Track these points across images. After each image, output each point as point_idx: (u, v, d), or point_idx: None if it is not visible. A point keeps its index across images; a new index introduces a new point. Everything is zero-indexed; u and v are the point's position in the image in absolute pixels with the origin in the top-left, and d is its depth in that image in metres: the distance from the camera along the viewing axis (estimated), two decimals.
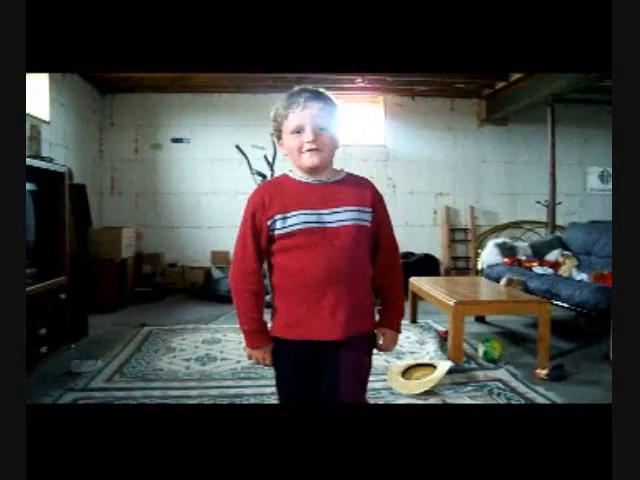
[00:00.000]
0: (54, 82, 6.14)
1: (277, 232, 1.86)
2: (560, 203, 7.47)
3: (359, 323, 1.92)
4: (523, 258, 6.14)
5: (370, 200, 1.94)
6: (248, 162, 6.44)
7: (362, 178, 2.04)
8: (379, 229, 1.97)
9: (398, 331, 2.07)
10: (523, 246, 6.55)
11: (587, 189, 8.72)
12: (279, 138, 1.94)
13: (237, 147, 6.37)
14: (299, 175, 1.92)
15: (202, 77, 7.18)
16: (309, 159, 1.85)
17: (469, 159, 8.37)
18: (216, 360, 4.33)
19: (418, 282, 5.49)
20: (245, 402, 3.37)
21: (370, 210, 1.92)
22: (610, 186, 8.65)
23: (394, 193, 8.20)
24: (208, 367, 4.14)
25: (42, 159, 4.48)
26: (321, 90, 1.88)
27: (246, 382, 3.77)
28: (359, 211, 1.89)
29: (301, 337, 1.87)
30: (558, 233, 7.01)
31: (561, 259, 5.92)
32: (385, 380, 3.73)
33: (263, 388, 3.60)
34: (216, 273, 7.34)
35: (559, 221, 7.43)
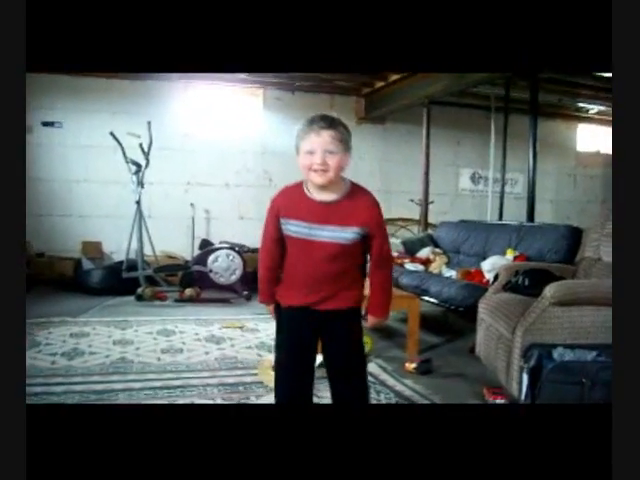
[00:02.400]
0: None
1: (283, 231, 2.29)
2: (433, 202, 7.71)
3: (342, 300, 2.31)
4: (395, 255, 6.29)
5: (365, 220, 2.24)
6: (123, 150, 6.26)
7: (364, 197, 2.33)
8: (372, 241, 2.28)
9: (377, 315, 2.42)
10: (396, 243, 6.71)
11: (458, 189, 9.06)
12: (297, 154, 2.24)
13: (112, 134, 6.17)
14: (309, 189, 2.27)
15: None
16: (316, 178, 2.17)
17: None
18: (84, 354, 4.17)
19: None
20: (114, 398, 3.27)
21: (358, 230, 2.22)
22: (480, 187, 9.05)
23: (270, 186, 8.18)
24: (75, 362, 3.98)
25: None
26: (337, 118, 2.23)
27: (115, 377, 3.65)
28: (346, 231, 2.22)
29: (290, 303, 2.34)
30: (430, 231, 7.24)
31: (432, 256, 6.10)
32: (256, 374, 3.72)
33: (132, 383, 3.51)
34: (86, 264, 7.11)
35: (431, 219, 7.67)
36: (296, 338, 2.39)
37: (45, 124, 7.66)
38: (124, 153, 6.27)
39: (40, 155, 7.64)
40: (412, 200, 7.97)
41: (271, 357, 4.02)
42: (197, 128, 8.05)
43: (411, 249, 6.48)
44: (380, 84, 7.71)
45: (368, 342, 4.34)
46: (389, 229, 8.16)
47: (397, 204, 8.51)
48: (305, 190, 2.29)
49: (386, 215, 7.61)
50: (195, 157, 7.99)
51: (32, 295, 6.56)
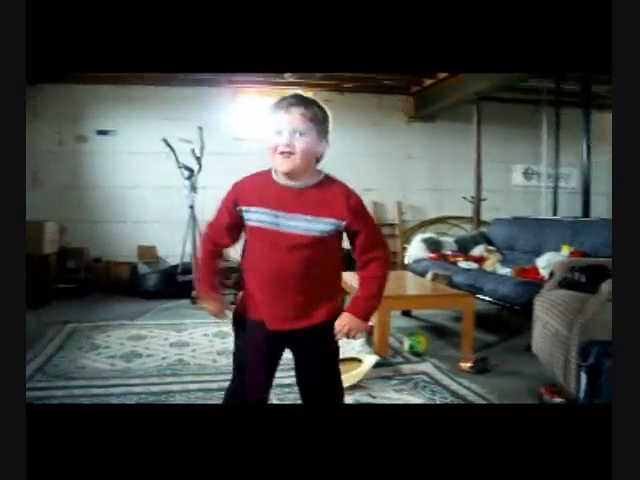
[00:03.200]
0: None
1: (245, 222, 2.01)
2: (485, 199, 7.63)
3: (311, 316, 2.02)
4: (448, 253, 6.25)
5: (340, 211, 1.98)
6: (175, 156, 6.35)
7: (338, 185, 2.07)
8: (357, 234, 2.02)
9: (355, 313, 2.05)
10: (449, 241, 6.67)
11: (511, 185, 8.94)
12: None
13: (164, 140, 6.27)
14: (276, 175, 2.01)
15: None
16: (281, 163, 1.94)
17: (396, 155, 8.47)
18: (141, 357, 4.26)
19: (344, 276, 5.50)
20: (171, 399, 3.33)
21: (335, 222, 1.96)
22: (533, 183, 8.90)
23: None
24: (133, 364, 4.07)
25: None
26: (311, 98, 2.00)
27: (171, 379, 3.72)
28: (319, 222, 1.95)
29: (255, 318, 2.04)
30: (483, 229, 7.16)
31: (485, 254, 6.04)
32: None
33: (189, 384, 3.57)
34: (142, 268, 7.24)
35: (484, 217, 7.58)
36: (256, 356, 2.07)
37: (100, 133, 7.82)
38: (177, 159, 6.36)
39: (95, 163, 7.81)
40: (464, 198, 7.89)
41: None
42: (247, 132, 8.10)
43: (464, 247, 6.43)
44: (429, 82, 7.66)
45: (422, 341, 4.33)
46: (441, 227, 8.22)
47: (449, 202, 8.45)
48: (273, 176, 2.02)
49: (438, 213, 7.57)
50: (246, 161, 7.98)
51: (90, 300, 6.72)
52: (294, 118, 1.92)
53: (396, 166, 8.47)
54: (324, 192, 2.02)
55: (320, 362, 2.13)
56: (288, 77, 7.34)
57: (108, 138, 7.84)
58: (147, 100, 7.76)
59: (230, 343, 2.18)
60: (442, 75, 7.24)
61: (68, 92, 7.76)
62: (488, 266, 5.73)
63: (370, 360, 3.76)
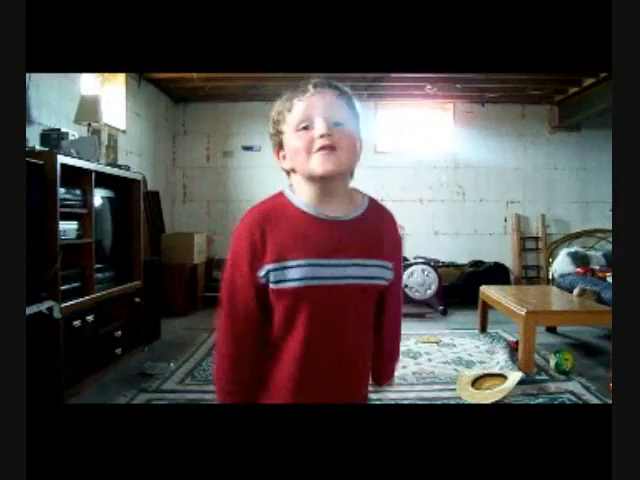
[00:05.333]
0: (130, 92, 6.32)
1: (271, 286, 1.32)
2: None
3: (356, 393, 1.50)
4: (596, 268, 6.02)
5: (390, 247, 1.43)
6: None
7: (386, 212, 1.51)
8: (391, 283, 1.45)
9: (387, 379, 1.63)
10: (596, 255, 6.42)
11: None
12: (279, 146, 1.44)
13: None
14: (303, 201, 1.37)
15: (270, 85, 7.27)
16: (322, 164, 1.30)
17: (540, 166, 8.23)
18: None
19: (488, 291, 5.43)
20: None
21: (390, 265, 1.41)
22: None
23: (463, 201, 8.13)
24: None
25: (119, 167, 4.62)
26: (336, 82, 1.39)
27: None
28: (383, 265, 1.40)
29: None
30: None
31: None
32: (454, 389, 3.70)
33: None
34: None
35: None
36: None
37: (245, 148, 8.12)
38: None
39: (241, 177, 8.10)
40: (612, 210, 7.55)
41: (468, 372, 3.99)
42: (389, 145, 8.14)
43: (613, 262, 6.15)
44: (574, 90, 7.41)
45: (569, 359, 4.19)
46: (588, 241, 7.90)
47: (596, 215, 8.10)
48: (297, 204, 1.37)
49: (584, 226, 7.31)
50: (388, 174, 8.07)
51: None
52: (331, 103, 1.34)
53: (540, 177, 8.23)
54: (379, 223, 1.46)
55: None
56: (428, 89, 7.31)
57: (253, 153, 8.11)
58: None
59: None
60: (587, 82, 6.98)
61: (214, 110, 8.12)
62: None
63: (515, 376, 3.69)
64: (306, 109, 1.33)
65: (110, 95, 5.98)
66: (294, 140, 1.34)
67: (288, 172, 1.44)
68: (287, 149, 1.38)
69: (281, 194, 1.42)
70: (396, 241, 1.47)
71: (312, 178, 1.33)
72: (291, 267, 1.29)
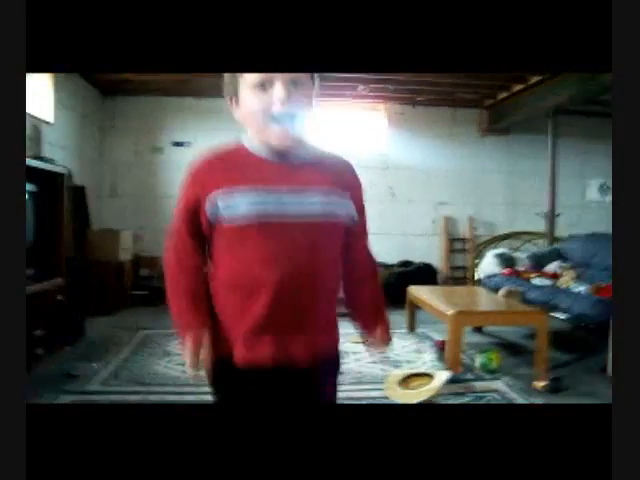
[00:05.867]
0: (58, 83, 6.12)
1: (219, 217, 1.36)
2: (559, 215, 7.46)
3: (325, 345, 1.50)
4: (522, 269, 6.15)
5: (347, 185, 1.47)
6: None
7: (341, 158, 1.57)
8: (358, 219, 1.52)
9: (385, 337, 1.64)
10: (522, 257, 6.57)
11: (586, 201, 8.72)
12: (233, 94, 1.43)
13: None
14: (258, 146, 1.41)
15: (203, 81, 7.18)
16: (279, 137, 1.34)
17: (469, 169, 8.37)
18: None
19: (416, 291, 5.48)
20: None
21: (348, 198, 1.44)
22: (609, 198, 8.66)
23: (393, 201, 8.21)
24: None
25: (42, 160, 4.49)
26: None
27: None
28: (343, 197, 1.43)
29: (245, 361, 1.43)
30: (557, 245, 7.01)
31: (560, 271, 5.91)
32: (382, 389, 3.71)
33: None
34: None
35: (558, 232, 7.42)
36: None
37: (175, 144, 7.99)
38: None
39: (171, 173, 7.95)
40: (537, 213, 7.74)
41: (396, 372, 4.01)
42: (320, 144, 8.13)
43: (538, 263, 6.31)
44: (503, 95, 7.56)
45: (495, 358, 4.26)
46: (514, 243, 8.08)
47: (522, 217, 8.29)
48: (252, 150, 1.42)
49: (511, 228, 7.47)
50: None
51: (163, 307, 6.81)
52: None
53: (469, 180, 8.37)
54: (329, 163, 1.50)
55: (331, 392, 1.62)
56: (361, 90, 7.35)
57: (184, 149, 8.00)
58: (221, 112, 7.81)
59: None
60: (517, 88, 7.13)
61: (144, 104, 7.96)
62: (563, 283, 5.59)
63: (442, 376, 3.72)
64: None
65: (35, 84, 5.79)
66: (250, 98, 1.33)
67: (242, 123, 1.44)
68: (242, 105, 1.38)
69: (237, 142, 1.45)
70: (353, 181, 1.50)
71: (266, 144, 1.37)
72: (238, 195, 1.31)
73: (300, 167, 1.40)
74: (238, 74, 1.38)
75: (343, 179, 1.46)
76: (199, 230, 1.42)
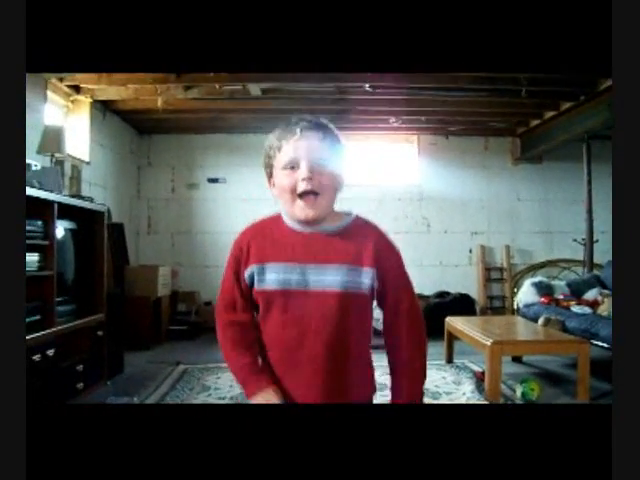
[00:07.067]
0: (94, 123, 6.28)
1: (254, 283, 1.54)
2: (597, 241, 7.37)
3: (351, 399, 1.57)
4: (560, 297, 6.07)
5: (371, 256, 1.54)
6: None
7: (370, 225, 1.65)
8: (390, 292, 1.58)
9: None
10: (560, 285, 6.48)
11: None
12: (270, 176, 1.59)
13: None
14: (291, 220, 1.57)
15: (233, 117, 7.29)
16: (303, 211, 1.50)
17: (503, 198, 8.33)
18: None
19: (454, 322, 5.45)
20: None
21: (372, 273, 1.53)
22: None
23: (428, 232, 8.19)
24: None
25: (82, 198, 4.57)
26: (324, 121, 1.56)
27: None
28: (358, 271, 1.51)
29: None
30: (596, 272, 6.92)
31: (600, 298, 5.82)
32: None
33: None
34: None
35: (597, 259, 7.32)
36: None
37: (210, 180, 8.10)
38: None
39: (206, 209, 8.07)
40: (575, 240, 7.66)
41: (435, 404, 3.97)
42: (354, 177, 8.18)
43: (577, 291, 6.22)
44: (536, 122, 7.54)
45: (535, 388, 4.20)
46: (552, 271, 7.98)
47: (559, 245, 8.21)
48: (286, 222, 1.58)
49: (548, 256, 7.36)
50: (353, 205, 7.96)
51: (200, 341, 6.88)
52: (313, 145, 1.49)
53: (504, 209, 8.33)
54: (359, 236, 1.58)
55: None
56: (393, 122, 7.39)
57: (218, 185, 8.10)
58: (254, 147, 7.89)
59: None
60: (548, 115, 7.11)
61: (179, 141, 8.11)
62: (603, 310, 5.51)
63: None
64: (293, 151, 1.49)
65: (74, 126, 5.94)
66: (280, 178, 1.52)
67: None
68: (275, 184, 1.56)
69: (277, 214, 1.62)
70: (383, 251, 1.58)
71: (293, 219, 1.55)
72: (269, 270, 1.51)
73: (325, 239, 1.54)
74: (273, 158, 1.55)
75: (367, 250, 1.55)
76: (250, 300, 1.59)
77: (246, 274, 1.55)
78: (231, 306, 1.61)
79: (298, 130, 1.50)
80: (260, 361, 1.60)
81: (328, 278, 1.49)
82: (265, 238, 1.58)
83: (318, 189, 1.49)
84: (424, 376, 1.65)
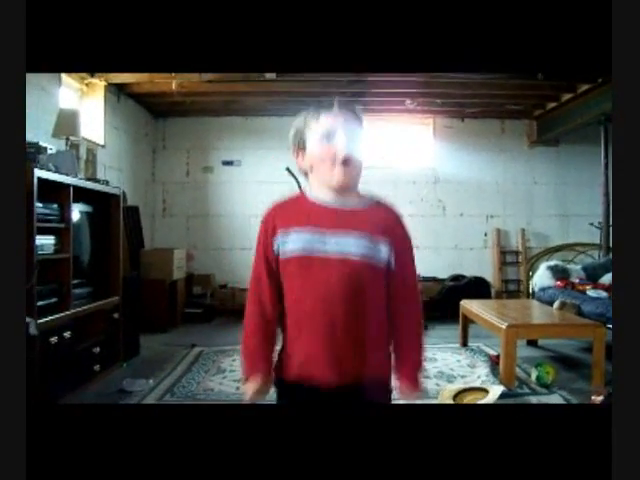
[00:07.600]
0: (109, 106, 6.28)
1: (279, 251, 1.61)
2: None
3: (365, 370, 1.60)
4: (576, 281, 6.04)
5: (389, 234, 1.62)
6: (298, 184, 6.43)
7: (390, 208, 1.71)
8: (395, 266, 1.64)
9: (413, 383, 1.69)
10: (576, 269, 6.45)
11: None
12: (301, 149, 1.65)
13: (287, 170, 6.38)
14: (315, 196, 1.64)
15: (249, 100, 7.27)
16: (343, 176, 1.57)
17: (519, 181, 8.28)
18: None
19: (469, 305, 5.44)
20: None
21: (389, 246, 1.60)
22: None
23: (444, 215, 8.16)
24: None
25: (97, 181, 4.59)
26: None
27: None
28: (376, 242, 1.58)
29: (299, 380, 1.62)
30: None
31: None
32: (436, 404, 3.68)
33: None
34: None
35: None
36: None
37: (225, 163, 8.09)
38: (300, 187, 6.45)
39: (221, 192, 8.08)
40: (592, 224, 7.61)
41: (450, 386, 3.98)
42: (369, 160, 8.14)
43: (593, 275, 6.19)
44: (552, 104, 7.47)
45: (550, 372, 4.19)
46: (567, 255, 7.93)
47: (575, 228, 8.15)
48: (310, 198, 1.64)
49: (564, 240, 7.30)
50: (368, 188, 8.05)
51: (215, 324, 6.92)
52: (350, 119, 1.60)
53: (520, 192, 8.28)
54: (380, 213, 1.66)
55: None
56: (409, 104, 7.34)
57: (233, 168, 8.10)
58: (269, 130, 7.90)
59: None
60: (565, 97, 7.04)
61: (193, 125, 8.10)
62: None
63: (496, 390, 3.68)
64: (332, 123, 1.57)
65: (89, 109, 5.95)
66: (317, 150, 1.59)
67: (305, 172, 1.69)
68: (310, 154, 1.62)
69: (300, 192, 1.70)
70: (398, 236, 1.65)
71: (330, 185, 1.60)
72: (292, 236, 1.57)
73: (348, 213, 1.61)
74: (306, 128, 1.62)
75: (385, 227, 1.63)
76: (276, 275, 1.64)
77: (275, 244, 1.61)
78: (256, 281, 1.67)
79: (335, 104, 1.60)
80: (269, 350, 1.67)
81: (349, 246, 1.55)
82: (290, 210, 1.65)
83: (352, 162, 1.57)
84: (423, 347, 1.77)
